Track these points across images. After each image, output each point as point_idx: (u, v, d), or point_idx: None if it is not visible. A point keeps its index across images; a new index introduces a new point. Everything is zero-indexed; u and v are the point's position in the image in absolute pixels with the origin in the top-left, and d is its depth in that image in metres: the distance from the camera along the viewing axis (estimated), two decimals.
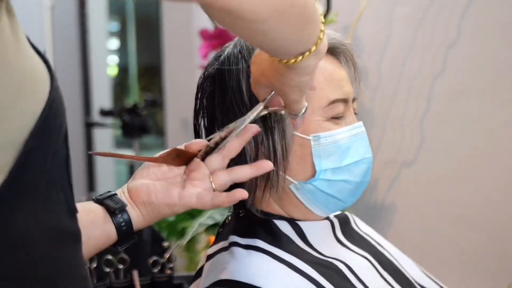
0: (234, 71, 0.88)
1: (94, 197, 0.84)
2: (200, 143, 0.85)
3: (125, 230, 0.81)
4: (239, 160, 0.87)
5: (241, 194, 0.80)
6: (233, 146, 0.84)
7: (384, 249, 0.99)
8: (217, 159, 0.84)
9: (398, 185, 1.77)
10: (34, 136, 0.52)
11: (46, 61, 0.57)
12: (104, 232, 0.81)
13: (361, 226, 1.02)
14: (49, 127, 0.54)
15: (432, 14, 1.66)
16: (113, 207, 0.81)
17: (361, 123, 0.91)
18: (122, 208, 0.82)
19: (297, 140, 0.87)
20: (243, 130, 0.82)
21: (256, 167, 0.84)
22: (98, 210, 0.82)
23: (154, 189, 0.83)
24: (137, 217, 0.83)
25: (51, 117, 0.54)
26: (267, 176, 0.87)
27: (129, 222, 0.82)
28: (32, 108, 0.53)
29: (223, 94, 0.88)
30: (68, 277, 0.57)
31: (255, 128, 0.84)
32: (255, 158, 0.87)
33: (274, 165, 0.86)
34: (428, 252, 1.68)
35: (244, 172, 0.84)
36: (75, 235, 0.59)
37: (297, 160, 0.88)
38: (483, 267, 1.58)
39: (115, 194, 0.84)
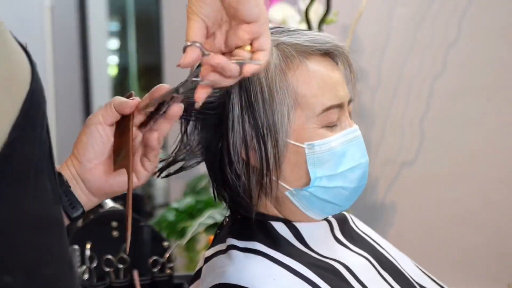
0: None
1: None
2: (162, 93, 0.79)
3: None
4: (224, 163, 0.87)
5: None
6: (164, 126, 0.81)
7: (383, 248, 0.98)
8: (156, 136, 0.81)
9: (398, 185, 1.77)
10: (18, 127, 0.52)
11: (27, 53, 0.57)
12: None
13: (359, 225, 1.02)
14: (32, 118, 0.54)
15: (432, 14, 1.66)
16: (69, 212, 0.81)
17: (356, 127, 0.89)
18: (76, 207, 0.82)
19: (291, 147, 0.86)
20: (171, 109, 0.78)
21: (170, 118, 0.80)
22: None
23: (112, 182, 0.82)
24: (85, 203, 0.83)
25: (33, 107, 0.54)
26: (260, 183, 0.87)
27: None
28: (14, 99, 0.53)
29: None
30: (51, 263, 0.58)
31: (178, 109, 0.79)
32: (247, 164, 0.87)
33: (267, 172, 0.85)
34: (428, 251, 1.68)
35: (164, 127, 0.81)
36: (59, 222, 0.60)
37: (291, 167, 0.87)
38: (483, 267, 1.58)
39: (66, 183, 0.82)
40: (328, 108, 0.86)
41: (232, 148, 0.86)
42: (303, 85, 0.86)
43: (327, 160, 0.86)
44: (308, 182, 0.87)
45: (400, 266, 0.97)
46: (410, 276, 0.97)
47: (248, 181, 0.87)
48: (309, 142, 0.86)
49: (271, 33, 0.88)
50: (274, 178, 0.86)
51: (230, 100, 0.85)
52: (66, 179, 0.81)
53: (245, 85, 0.85)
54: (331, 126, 0.87)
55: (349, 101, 0.91)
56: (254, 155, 0.86)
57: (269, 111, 0.84)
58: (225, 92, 0.86)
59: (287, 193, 0.88)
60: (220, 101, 0.86)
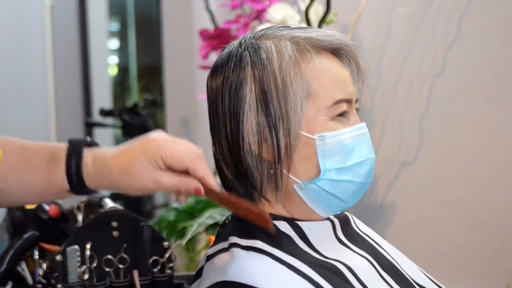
0: (235, 77, 0.88)
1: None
2: None
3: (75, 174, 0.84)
4: (238, 157, 0.87)
5: None
6: None
7: (383, 249, 0.99)
8: None
9: (398, 185, 1.77)
10: None
11: None
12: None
13: (360, 226, 1.02)
14: None
15: (432, 14, 1.66)
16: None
17: (364, 124, 0.91)
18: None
19: (302, 139, 0.87)
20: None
21: None
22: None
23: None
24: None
25: None
26: (272, 175, 0.87)
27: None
28: None
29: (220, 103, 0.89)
30: None
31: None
32: (259, 155, 0.87)
33: (278, 163, 0.86)
34: (428, 251, 1.68)
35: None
36: None
37: (301, 159, 0.88)
38: (482, 267, 1.58)
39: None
40: (338, 102, 0.88)
41: (244, 139, 0.86)
42: (315, 77, 0.87)
43: (336, 153, 0.87)
44: (317, 174, 0.88)
45: (401, 267, 0.97)
46: (411, 277, 0.97)
47: (259, 174, 0.87)
48: (320, 134, 0.87)
49: (282, 29, 0.90)
50: (284, 170, 0.87)
51: (242, 90, 0.86)
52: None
53: (258, 74, 0.86)
54: (341, 116, 0.88)
55: (356, 100, 0.92)
56: (265, 146, 0.87)
57: (282, 101, 0.86)
58: (238, 83, 0.87)
59: (295, 186, 0.89)
60: (230, 92, 0.87)
